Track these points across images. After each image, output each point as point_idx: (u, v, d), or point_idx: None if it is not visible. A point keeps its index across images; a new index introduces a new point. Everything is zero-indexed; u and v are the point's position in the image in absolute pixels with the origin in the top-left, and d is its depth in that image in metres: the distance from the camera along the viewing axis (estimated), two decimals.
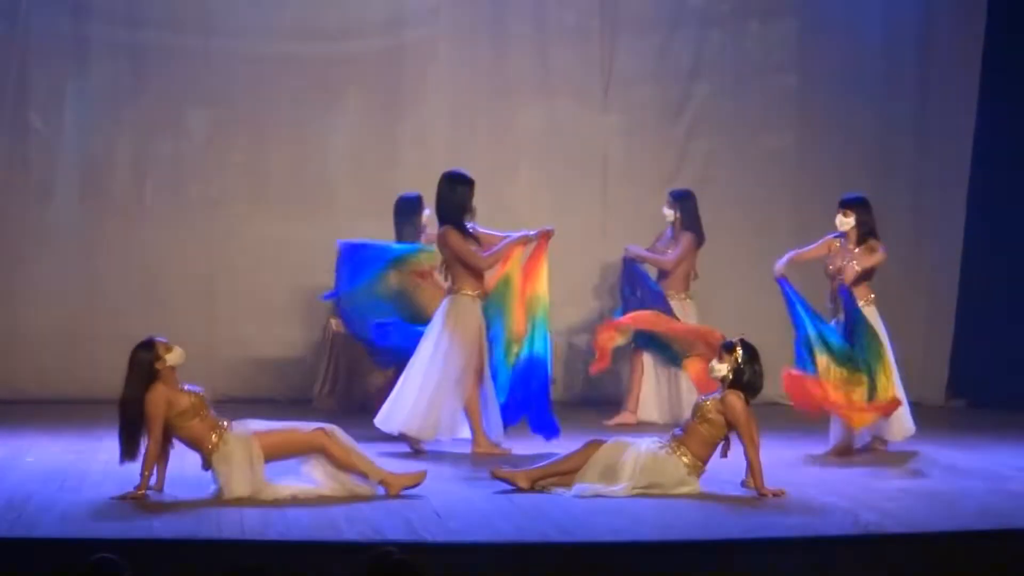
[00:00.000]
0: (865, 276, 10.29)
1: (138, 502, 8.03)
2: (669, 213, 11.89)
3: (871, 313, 10.30)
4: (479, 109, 13.15)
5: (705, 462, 8.51)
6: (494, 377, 9.98)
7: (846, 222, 10.35)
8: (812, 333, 9.86)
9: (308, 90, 12.95)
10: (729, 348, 8.61)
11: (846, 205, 10.40)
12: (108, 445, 10.01)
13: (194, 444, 8.27)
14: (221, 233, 12.85)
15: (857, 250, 10.28)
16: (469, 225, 10.10)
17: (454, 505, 8.07)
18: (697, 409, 8.56)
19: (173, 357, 8.32)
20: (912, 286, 13.42)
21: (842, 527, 7.66)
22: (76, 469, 9.08)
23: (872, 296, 10.39)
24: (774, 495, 8.44)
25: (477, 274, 10.01)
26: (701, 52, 13.37)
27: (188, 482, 8.57)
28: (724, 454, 8.60)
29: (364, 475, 8.23)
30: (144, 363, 8.28)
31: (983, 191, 13.23)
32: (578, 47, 13.29)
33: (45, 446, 10.00)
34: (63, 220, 12.75)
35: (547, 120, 13.27)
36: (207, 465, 8.23)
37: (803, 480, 9.10)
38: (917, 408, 12.96)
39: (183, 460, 9.49)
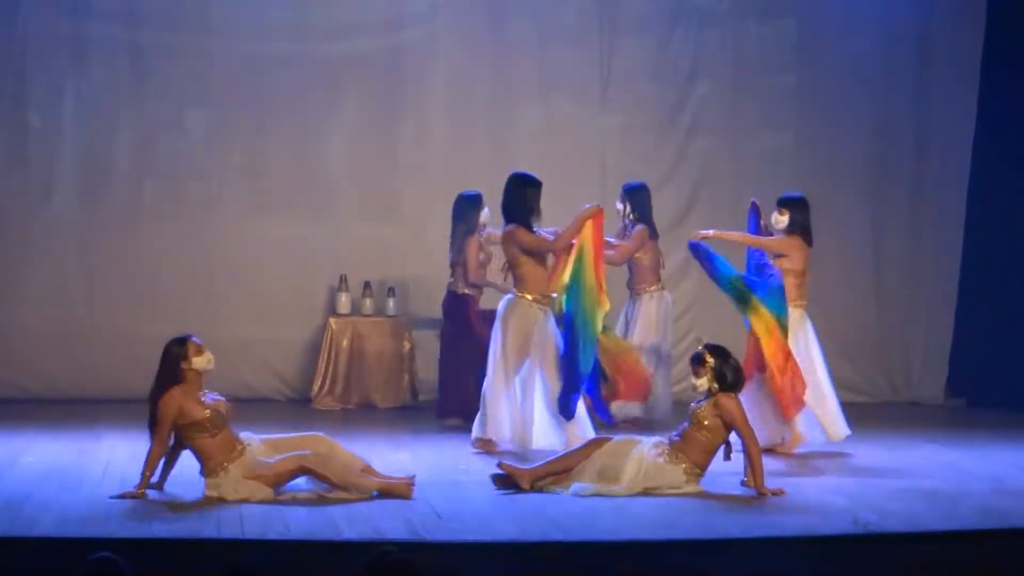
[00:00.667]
0: (786, 272, 10.10)
1: (137, 501, 8.01)
2: (621, 207, 11.47)
3: (798, 317, 10.14)
4: (478, 109, 13.14)
5: (704, 468, 8.50)
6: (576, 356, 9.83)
7: (781, 220, 10.24)
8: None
9: (307, 89, 12.94)
10: (699, 360, 8.57)
11: (782, 203, 10.27)
12: (107, 444, 10.04)
13: (199, 457, 8.23)
14: (220, 232, 12.85)
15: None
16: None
17: (454, 505, 8.06)
18: (692, 416, 8.55)
19: (200, 361, 8.25)
20: (912, 286, 13.42)
21: (841, 526, 7.65)
22: (75, 468, 9.08)
23: (802, 301, 10.21)
24: (773, 494, 8.44)
25: (541, 274, 9.91)
26: (700, 52, 13.37)
27: (188, 482, 8.57)
28: (727, 457, 8.59)
29: (356, 491, 8.18)
30: (171, 358, 8.21)
31: (983, 190, 13.23)
32: (577, 47, 13.28)
33: (44, 445, 10.00)
34: (62, 219, 12.74)
35: (546, 119, 13.27)
36: (203, 475, 8.21)
37: (802, 479, 9.10)
38: (917, 408, 13.04)
39: (183, 460, 9.50)
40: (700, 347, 8.63)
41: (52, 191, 12.78)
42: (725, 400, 8.46)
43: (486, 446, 9.93)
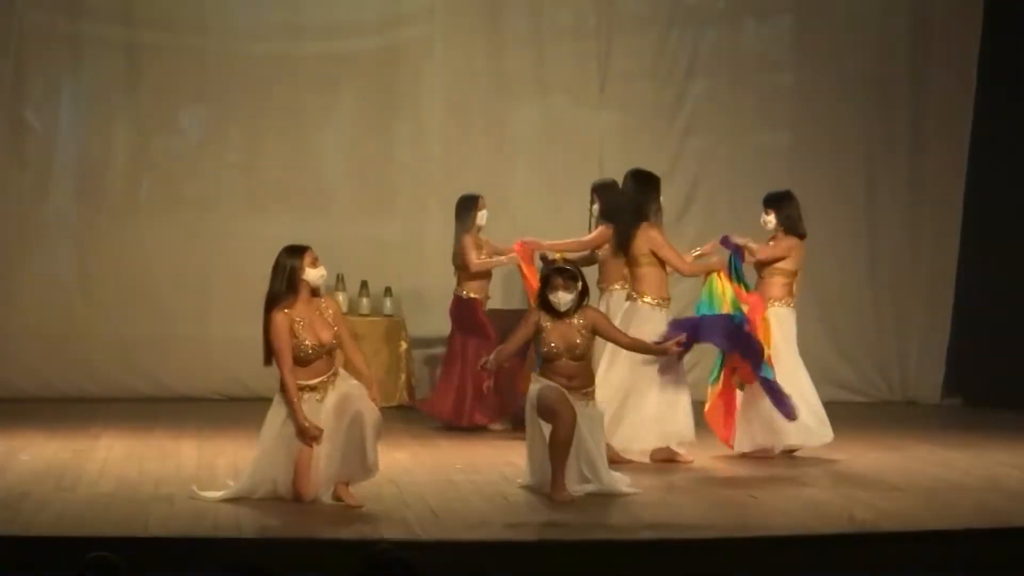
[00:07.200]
0: (779, 271, 9.97)
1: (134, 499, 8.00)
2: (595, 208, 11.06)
3: (786, 314, 9.94)
4: (475, 107, 13.14)
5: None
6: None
7: (768, 220, 10.09)
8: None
9: (303, 89, 12.93)
10: (574, 277, 8.45)
11: (765, 203, 10.12)
12: (104, 443, 10.03)
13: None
14: (216, 232, 12.83)
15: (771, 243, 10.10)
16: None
17: (450, 503, 8.07)
18: (574, 350, 8.42)
19: (313, 274, 8.10)
20: (909, 284, 13.41)
21: (837, 525, 7.66)
22: (72, 467, 9.06)
23: (792, 299, 10.01)
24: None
25: (661, 275, 9.68)
26: (697, 50, 13.36)
27: (186, 480, 8.57)
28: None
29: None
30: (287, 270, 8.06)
31: (980, 188, 13.23)
32: (574, 45, 13.28)
33: (40, 445, 9.98)
34: (58, 218, 12.74)
35: (543, 118, 13.26)
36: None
37: (798, 478, 9.11)
38: (913, 407, 13.04)
39: (180, 457, 9.51)
40: (558, 264, 8.56)
41: (48, 190, 12.77)
42: (592, 312, 8.58)
43: (665, 453, 9.66)
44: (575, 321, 8.45)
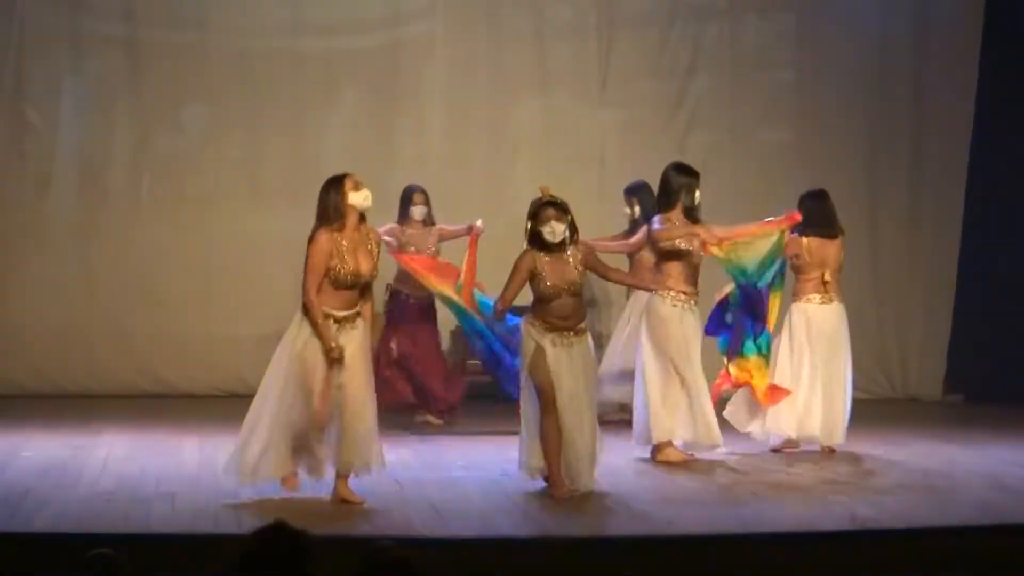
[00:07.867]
0: (804, 267, 10.04)
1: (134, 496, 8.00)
2: (630, 211, 11.14)
3: (811, 311, 10.03)
4: (476, 104, 13.14)
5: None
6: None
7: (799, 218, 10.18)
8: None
9: (305, 85, 12.93)
10: (565, 209, 8.34)
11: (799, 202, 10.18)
12: (105, 440, 10.03)
13: None
14: (218, 228, 12.84)
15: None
16: None
17: (452, 501, 8.06)
18: (572, 286, 8.33)
19: (357, 197, 7.89)
20: (909, 281, 13.41)
21: (839, 522, 7.66)
22: (73, 464, 9.06)
23: (810, 293, 10.09)
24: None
25: (678, 269, 9.47)
26: (699, 47, 13.36)
27: (186, 477, 8.57)
28: None
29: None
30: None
31: (981, 184, 13.22)
32: (575, 42, 13.28)
33: (42, 441, 9.98)
34: (60, 214, 12.74)
35: (544, 115, 13.26)
36: None
37: (800, 476, 9.10)
38: (915, 404, 13.03)
39: (182, 454, 9.51)
40: (546, 198, 8.39)
41: (50, 187, 12.78)
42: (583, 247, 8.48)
43: (673, 455, 9.50)
44: (570, 255, 8.33)
